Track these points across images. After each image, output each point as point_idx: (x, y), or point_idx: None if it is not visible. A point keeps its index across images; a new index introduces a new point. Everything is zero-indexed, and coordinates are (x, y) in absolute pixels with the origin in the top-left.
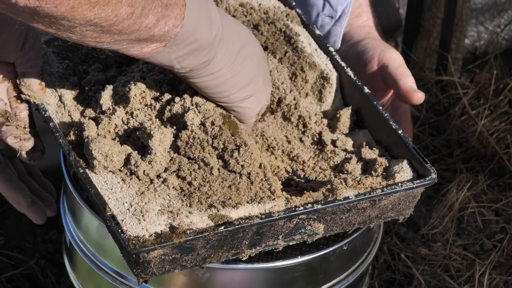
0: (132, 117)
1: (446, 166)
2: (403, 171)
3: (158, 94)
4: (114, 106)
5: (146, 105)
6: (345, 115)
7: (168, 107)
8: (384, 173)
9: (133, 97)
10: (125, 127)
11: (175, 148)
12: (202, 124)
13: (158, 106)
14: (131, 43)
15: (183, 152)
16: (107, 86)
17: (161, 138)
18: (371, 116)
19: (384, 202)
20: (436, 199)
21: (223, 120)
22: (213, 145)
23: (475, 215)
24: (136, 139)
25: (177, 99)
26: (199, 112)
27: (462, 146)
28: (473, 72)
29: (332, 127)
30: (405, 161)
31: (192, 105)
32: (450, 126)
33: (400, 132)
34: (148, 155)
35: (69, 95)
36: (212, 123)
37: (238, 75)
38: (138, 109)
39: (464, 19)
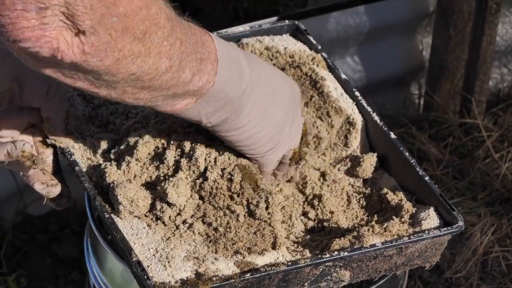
0: (153, 165)
1: (469, 209)
2: (430, 218)
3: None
4: (140, 153)
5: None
6: (368, 160)
7: (183, 160)
8: (411, 220)
9: (142, 145)
10: (150, 173)
11: (199, 196)
12: (221, 176)
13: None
14: (167, 99)
15: (208, 202)
16: (138, 133)
17: (177, 192)
18: (397, 162)
19: (410, 249)
20: (460, 242)
21: (242, 174)
22: (237, 200)
23: (499, 259)
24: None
25: (198, 152)
26: (215, 164)
27: (486, 189)
28: (497, 114)
29: (355, 172)
30: (432, 208)
31: (207, 157)
32: (473, 169)
33: (426, 178)
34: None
35: (94, 138)
36: (230, 179)
37: (266, 128)
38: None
39: (488, 61)
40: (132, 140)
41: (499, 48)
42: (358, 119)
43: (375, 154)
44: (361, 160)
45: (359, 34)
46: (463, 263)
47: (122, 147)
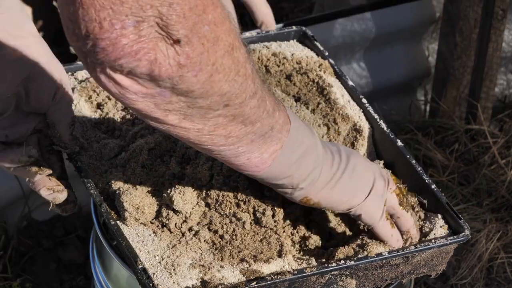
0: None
1: (475, 215)
2: (436, 227)
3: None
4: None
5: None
6: None
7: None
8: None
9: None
10: (156, 180)
11: (206, 203)
12: (228, 184)
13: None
14: (253, 142)
15: (214, 209)
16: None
17: (183, 199)
18: (404, 169)
19: (417, 258)
20: (465, 249)
21: (248, 182)
22: (243, 207)
23: (505, 266)
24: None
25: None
26: (221, 171)
27: (491, 195)
28: (503, 121)
29: None
30: (439, 216)
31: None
32: (479, 176)
33: (433, 186)
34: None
35: (101, 144)
36: (237, 187)
37: (351, 179)
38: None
39: (494, 67)
40: (138, 146)
41: (505, 55)
42: (365, 126)
43: (382, 162)
44: None
45: (365, 40)
46: (469, 270)
47: (128, 153)
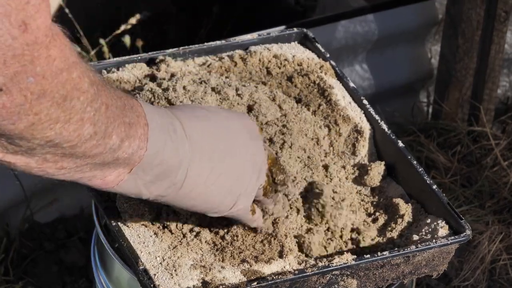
0: None
1: (477, 217)
2: (438, 227)
3: None
4: None
5: None
6: (376, 169)
7: None
8: (417, 228)
9: None
10: None
11: None
12: None
13: None
14: (95, 169)
15: None
16: None
17: None
18: (405, 170)
19: (418, 258)
20: (467, 250)
21: None
22: None
23: (507, 268)
24: None
25: None
26: None
27: (493, 197)
28: (505, 122)
29: (363, 181)
30: (439, 218)
31: None
32: (481, 177)
33: (434, 187)
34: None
35: None
36: None
37: (220, 187)
38: None
39: (497, 69)
40: None
41: (507, 56)
42: (366, 127)
43: (383, 163)
44: (369, 168)
45: (367, 42)
46: (471, 271)
47: None
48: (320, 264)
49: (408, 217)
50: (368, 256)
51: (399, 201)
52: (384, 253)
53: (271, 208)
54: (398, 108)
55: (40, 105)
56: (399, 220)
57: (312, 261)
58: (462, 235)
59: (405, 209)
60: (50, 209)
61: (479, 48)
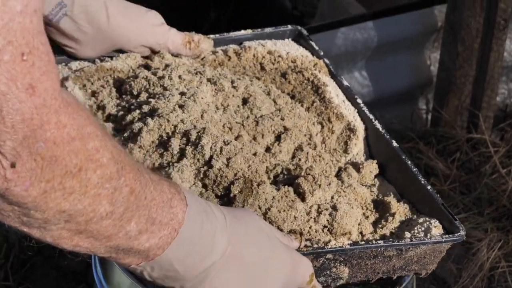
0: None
1: (476, 224)
2: (431, 226)
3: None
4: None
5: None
6: (368, 167)
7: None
8: (408, 226)
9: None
10: (153, 160)
11: (203, 184)
12: (227, 165)
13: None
14: (109, 253)
15: (211, 190)
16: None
17: (181, 177)
18: (399, 170)
19: (410, 253)
20: (466, 258)
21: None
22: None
23: (506, 275)
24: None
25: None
26: (221, 153)
27: (492, 204)
28: (504, 130)
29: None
30: (433, 218)
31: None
32: (480, 185)
33: (428, 187)
34: None
35: None
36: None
37: None
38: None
39: (496, 77)
40: (136, 127)
41: (506, 64)
42: (359, 126)
43: (375, 161)
44: (361, 166)
45: (367, 49)
46: (470, 279)
47: (125, 134)
48: (315, 245)
49: (399, 216)
50: (363, 242)
51: (391, 200)
52: (379, 241)
53: None
54: (397, 115)
55: (52, 172)
56: (390, 218)
57: (307, 243)
58: (456, 234)
59: (397, 207)
60: None
61: (478, 55)
